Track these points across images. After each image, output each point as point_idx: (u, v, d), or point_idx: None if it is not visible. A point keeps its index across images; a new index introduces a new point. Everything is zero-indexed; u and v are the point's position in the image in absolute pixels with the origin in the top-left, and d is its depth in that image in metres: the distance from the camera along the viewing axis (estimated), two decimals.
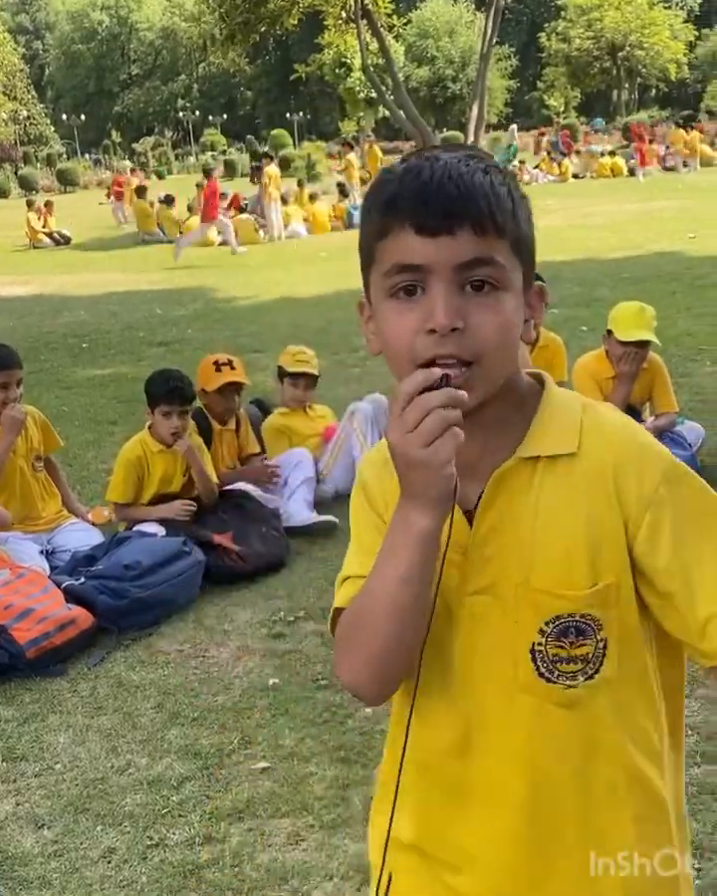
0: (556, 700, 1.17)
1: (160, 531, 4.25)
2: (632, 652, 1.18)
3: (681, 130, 29.36)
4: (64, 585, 3.89)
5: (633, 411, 4.96)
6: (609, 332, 4.84)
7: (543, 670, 1.16)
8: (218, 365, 4.81)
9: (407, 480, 1.06)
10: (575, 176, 28.98)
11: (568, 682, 1.16)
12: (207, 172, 19.23)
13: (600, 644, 1.16)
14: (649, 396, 4.99)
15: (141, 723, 3.24)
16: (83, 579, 3.93)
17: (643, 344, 4.75)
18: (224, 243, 19.17)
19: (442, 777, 1.23)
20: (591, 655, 1.16)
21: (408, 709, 1.17)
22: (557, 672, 1.16)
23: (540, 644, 1.15)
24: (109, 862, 2.60)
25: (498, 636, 1.16)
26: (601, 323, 5.04)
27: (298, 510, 4.73)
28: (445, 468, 1.02)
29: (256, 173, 25.72)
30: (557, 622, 1.14)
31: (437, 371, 1.03)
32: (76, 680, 3.54)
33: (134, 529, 4.30)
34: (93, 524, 4.71)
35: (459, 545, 1.14)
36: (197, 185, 24.09)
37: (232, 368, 4.81)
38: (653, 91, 66.69)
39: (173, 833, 2.68)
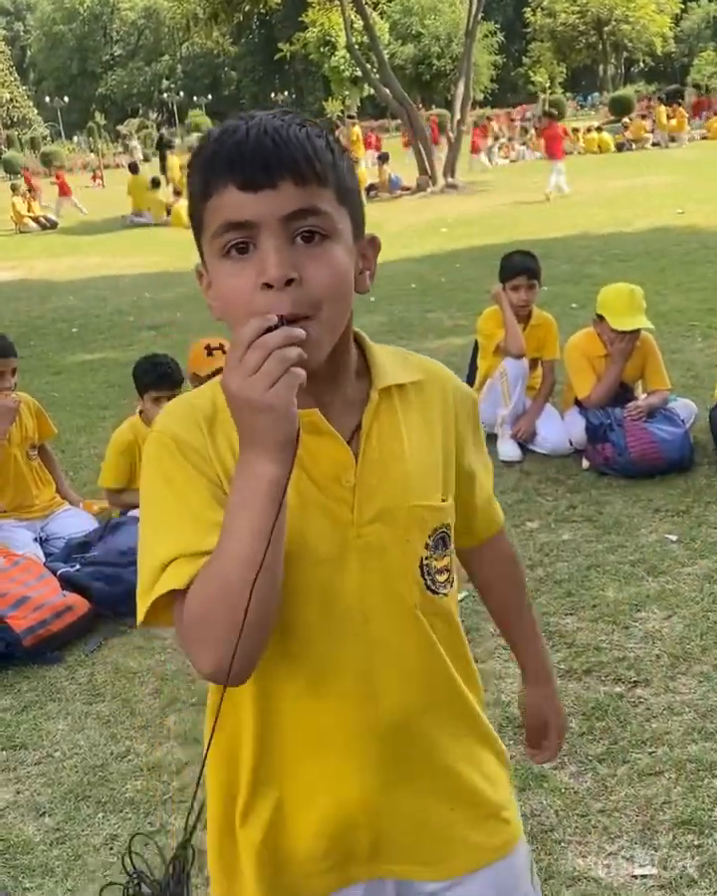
0: (436, 611, 1.26)
1: None
2: (455, 563, 1.33)
3: (664, 107, 29.27)
4: (59, 572, 3.89)
5: (626, 389, 4.97)
6: (600, 316, 4.82)
7: (429, 582, 1.25)
8: (210, 350, 4.78)
9: (250, 427, 1.02)
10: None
11: (443, 591, 1.27)
12: (550, 115, 21.07)
13: (451, 554, 1.30)
14: (642, 374, 4.99)
15: (140, 709, 3.24)
16: (78, 566, 3.92)
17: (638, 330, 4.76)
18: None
19: (332, 721, 1.22)
20: (449, 565, 1.28)
21: (277, 673, 1.19)
22: (436, 583, 1.26)
23: (426, 558, 1.24)
24: (111, 849, 2.60)
25: (393, 559, 1.21)
26: (592, 299, 5.03)
27: None
28: (288, 410, 1.00)
29: (163, 163, 25.63)
30: (435, 534, 1.25)
31: (273, 317, 1.01)
32: (73, 667, 3.54)
33: (128, 514, 4.29)
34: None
35: (345, 480, 1.18)
36: (183, 168, 23.94)
37: (224, 352, 4.78)
38: (640, 65, 66.37)
39: (175, 819, 2.68)
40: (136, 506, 4.30)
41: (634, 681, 3.09)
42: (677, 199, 15.29)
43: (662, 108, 29.21)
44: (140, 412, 4.49)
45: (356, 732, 1.23)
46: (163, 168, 24.37)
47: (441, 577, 1.26)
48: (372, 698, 1.22)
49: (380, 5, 29.77)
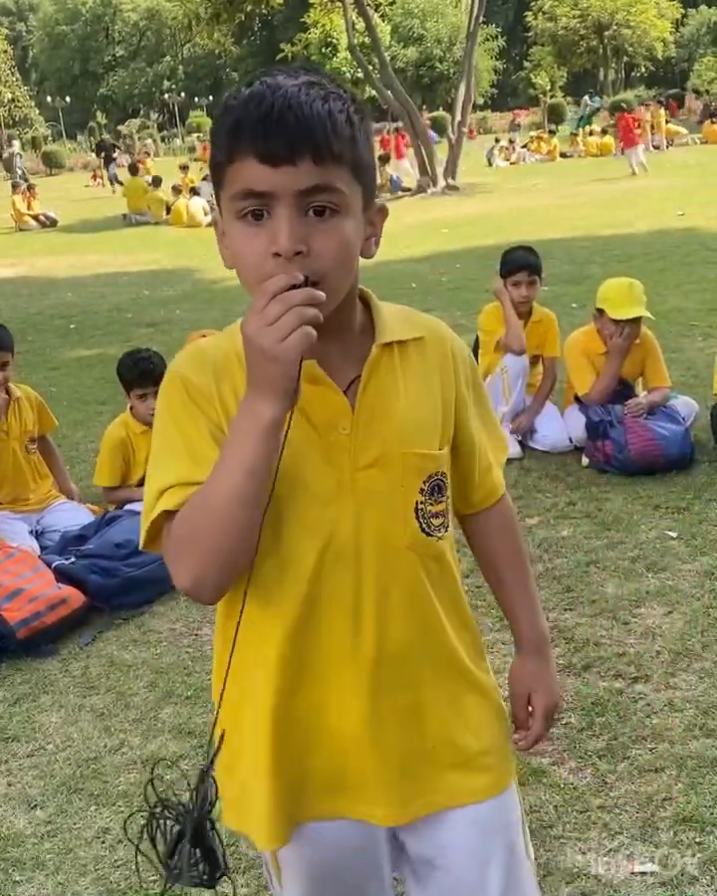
0: (431, 553, 1.33)
1: None
2: (450, 510, 1.39)
3: (663, 110, 29.26)
4: (54, 565, 3.85)
5: (627, 386, 4.94)
6: (600, 311, 4.79)
7: (424, 525, 1.31)
8: None
9: (258, 371, 1.10)
10: (562, 155, 28.90)
11: (438, 535, 1.33)
12: (620, 108, 22.54)
13: (447, 500, 1.36)
14: (642, 371, 4.96)
15: (134, 702, 3.20)
16: (73, 559, 3.89)
17: (637, 320, 4.72)
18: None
19: (318, 650, 1.29)
20: (444, 511, 1.35)
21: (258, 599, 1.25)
22: (431, 526, 1.32)
23: (421, 503, 1.31)
24: (103, 842, 2.57)
25: (388, 502, 1.28)
26: (592, 299, 5.01)
27: None
28: (294, 362, 1.08)
29: (107, 163, 25.29)
30: (430, 480, 1.31)
31: (299, 276, 1.09)
32: (67, 660, 3.51)
33: (125, 508, 4.25)
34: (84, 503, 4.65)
35: (341, 427, 1.25)
36: (182, 167, 23.92)
37: None
38: (640, 70, 66.40)
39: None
40: (133, 501, 4.29)
41: (634, 677, 3.06)
42: (678, 202, 15.28)
43: (662, 111, 29.22)
44: (131, 408, 4.46)
45: (342, 662, 1.29)
46: (107, 168, 24.20)
47: (436, 521, 1.33)
48: (359, 632, 1.28)
49: (382, 7, 29.71)
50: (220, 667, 1.30)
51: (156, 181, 21.38)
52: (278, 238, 1.12)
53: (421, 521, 1.31)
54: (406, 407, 1.29)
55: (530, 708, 1.49)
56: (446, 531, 1.35)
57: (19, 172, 32.57)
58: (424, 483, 1.30)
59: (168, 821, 1.13)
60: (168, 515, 1.20)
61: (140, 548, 1.27)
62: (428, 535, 1.32)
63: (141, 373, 4.36)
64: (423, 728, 1.35)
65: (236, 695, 1.31)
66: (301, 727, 1.31)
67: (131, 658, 3.47)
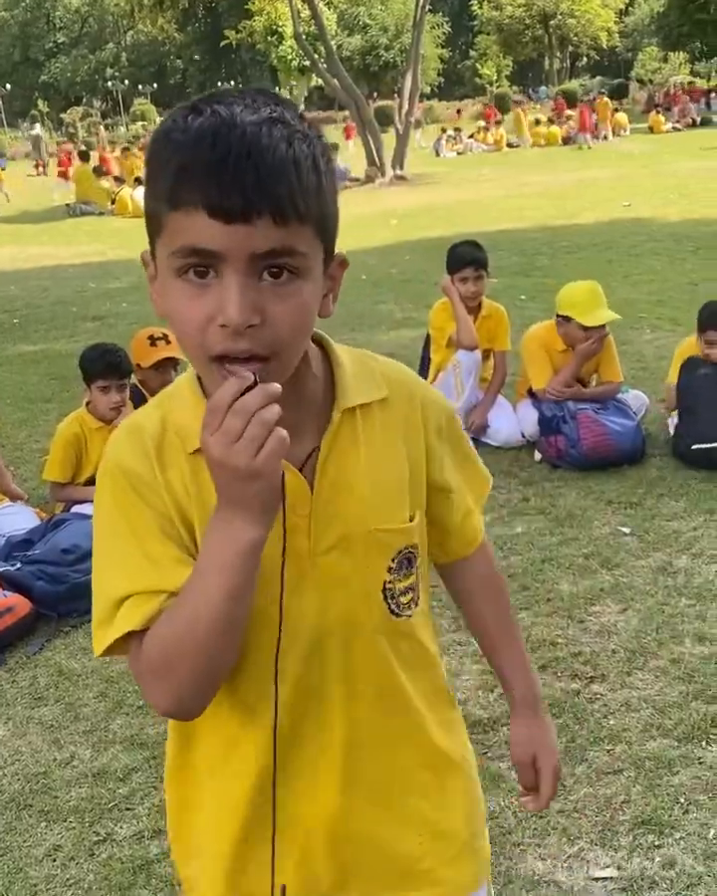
0: (402, 632, 1.23)
1: None
2: (426, 577, 1.29)
3: (608, 100, 29.52)
4: None
5: (581, 384, 4.93)
6: (566, 317, 4.74)
7: (392, 606, 1.21)
8: (153, 340, 4.67)
9: (233, 491, 0.98)
10: (509, 145, 28.97)
11: (406, 613, 1.23)
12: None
13: (418, 572, 1.24)
14: (597, 368, 4.95)
15: (84, 713, 3.13)
16: (19, 565, 3.79)
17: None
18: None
19: (294, 747, 1.20)
20: (414, 584, 1.23)
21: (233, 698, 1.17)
22: (400, 605, 1.22)
23: (389, 582, 1.20)
24: (54, 860, 2.50)
25: (353, 586, 1.17)
26: (541, 292, 5.02)
27: None
28: (276, 475, 0.97)
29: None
30: (398, 556, 1.20)
31: (248, 375, 0.95)
32: (14, 670, 3.42)
33: (72, 511, 4.16)
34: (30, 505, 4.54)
35: (299, 509, 1.12)
36: (124, 150, 23.54)
37: (167, 343, 4.66)
38: (585, 59, 66.83)
39: (121, 827, 2.59)
40: (82, 500, 4.20)
41: (590, 677, 3.05)
42: (624, 192, 15.40)
43: (607, 100, 29.43)
44: (88, 404, 4.36)
45: (310, 753, 1.20)
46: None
47: (405, 599, 1.22)
48: (325, 719, 1.19)
49: None
50: (175, 774, 1.27)
51: (98, 170, 21.06)
52: (227, 308, 0.96)
53: (389, 601, 1.20)
54: (370, 479, 1.16)
55: (536, 769, 1.41)
56: (417, 606, 1.24)
57: None
58: (392, 560, 1.19)
59: None
60: (134, 632, 1.07)
61: (97, 655, 1.12)
62: (397, 615, 1.21)
63: (108, 365, 4.28)
64: (410, 820, 1.28)
65: (197, 798, 1.25)
66: (267, 829, 1.22)
67: (80, 667, 3.39)
